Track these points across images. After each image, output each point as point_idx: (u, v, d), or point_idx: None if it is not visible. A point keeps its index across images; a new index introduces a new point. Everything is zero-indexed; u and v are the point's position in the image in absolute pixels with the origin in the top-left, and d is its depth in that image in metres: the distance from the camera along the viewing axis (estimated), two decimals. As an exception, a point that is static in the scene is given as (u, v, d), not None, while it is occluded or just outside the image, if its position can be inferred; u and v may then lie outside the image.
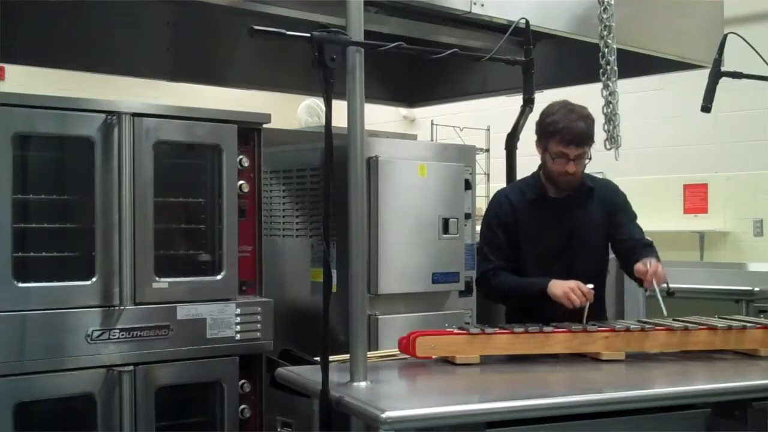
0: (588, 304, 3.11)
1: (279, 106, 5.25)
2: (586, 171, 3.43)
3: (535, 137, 3.39)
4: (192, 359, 3.23)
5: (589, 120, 3.27)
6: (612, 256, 3.55)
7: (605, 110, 3.62)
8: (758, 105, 7.13)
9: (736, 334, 3.04)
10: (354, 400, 2.38)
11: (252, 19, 3.23)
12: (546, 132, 3.29)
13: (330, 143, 2.47)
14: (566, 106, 3.29)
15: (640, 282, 3.22)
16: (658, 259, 3.28)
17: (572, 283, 3.16)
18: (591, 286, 3.16)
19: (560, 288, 3.17)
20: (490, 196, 5.45)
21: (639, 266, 3.17)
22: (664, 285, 3.19)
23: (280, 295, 3.76)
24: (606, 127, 3.61)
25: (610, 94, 3.62)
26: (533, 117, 4.14)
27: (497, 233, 3.43)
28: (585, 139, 3.25)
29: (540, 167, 3.43)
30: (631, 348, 2.98)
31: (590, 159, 3.32)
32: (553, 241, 3.40)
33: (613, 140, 3.60)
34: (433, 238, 3.89)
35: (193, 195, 3.40)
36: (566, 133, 3.22)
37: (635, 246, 3.39)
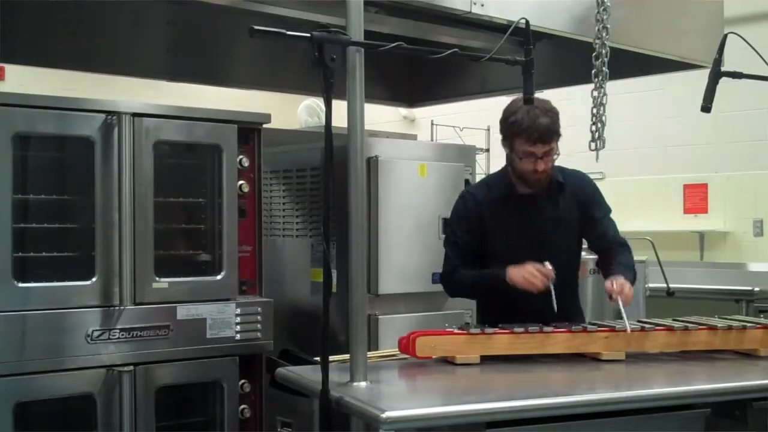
0: (552, 284, 3.05)
1: (279, 106, 5.24)
2: (564, 165, 3.39)
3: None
4: (192, 359, 3.23)
5: (552, 114, 3.20)
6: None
7: (595, 111, 3.59)
8: (758, 105, 7.14)
9: (736, 334, 3.04)
10: (354, 400, 2.38)
11: (252, 19, 3.23)
12: (510, 132, 3.21)
13: (330, 143, 2.47)
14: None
15: (609, 296, 3.17)
16: (630, 265, 3.27)
17: (529, 267, 3.11)
18: (548, 264, 3.09)
19: (518, 274, 3.11)
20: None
21: (607, 284, 3.14)
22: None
23: (280, 295, 3.76)
24: (593, 128, 3.58)
25: (603, 95, 3.59)
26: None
27: (458, 233, 3.36)
28: (551, 135, 3.17)
29: (508, 164, 3.37)
30: (631, 348, 2.97)
31: (559, 154, 3.25)
32: (521, 240, 3.31)
33: (599, 141, 3.56)
34: (433, 238, 3.89)
35: (193, 195, 3.40)
36: (531, 131, 3.14)
37: (611, 245, 3.36)
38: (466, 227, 3.35)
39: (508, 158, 3.31)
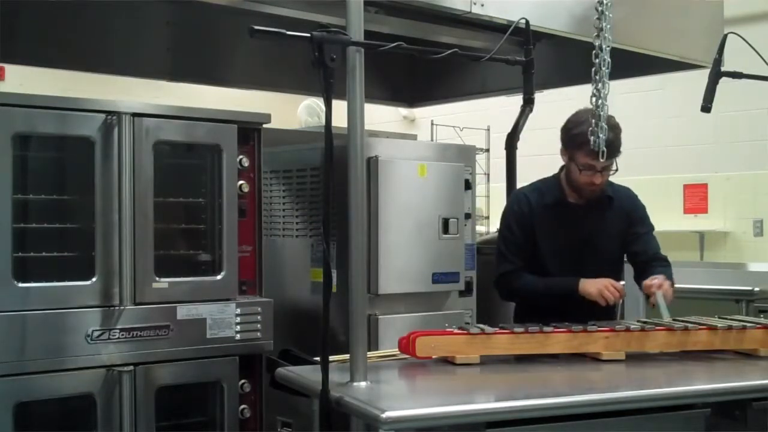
0: (621, 301, 3.17)
1: (279, 106, 5.24)
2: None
3: (556, 143, 3.36)
4: (192, 359, 3.22)
5: (617, 130, 3.21)
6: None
7: (601, 111, 3.58)
8: (758, 105, 7.13)
9: (736, 334, 3.04)
10: (354, 400, 2.38)
11: (252, 19, 3.23)
12: (573, 143, 3.26)
13: (330, 143, 2.47)
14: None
15: (647, 296, 3.25)
16: (670, 277, 3.31)
17: (605, 281, 3.20)
18: (623, 282, 3.20)
19: (593, 286, 3.21)
20: (491, 197, 5.41)
21: (646, 281, 3.22)
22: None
23: (280, 295, 3.76)
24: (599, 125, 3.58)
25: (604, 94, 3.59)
26: (533, 117, 4.13)
27: (516, 232, 3.42)
28: (614, 151, 3.19)
29: (562, 170, 3.42)
30: (631, 348, 2.98)
31: (617, 169, 3.29)
32: (568, 247, 3.39)
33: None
34: (433, 238, 3.89)
35: (193, 195, 3.40)
36: (596, 146, 3.14)
37: (651, 260, 3.41)
38: (522, 225, 3.41)
39: (566, 167, 3.37)
